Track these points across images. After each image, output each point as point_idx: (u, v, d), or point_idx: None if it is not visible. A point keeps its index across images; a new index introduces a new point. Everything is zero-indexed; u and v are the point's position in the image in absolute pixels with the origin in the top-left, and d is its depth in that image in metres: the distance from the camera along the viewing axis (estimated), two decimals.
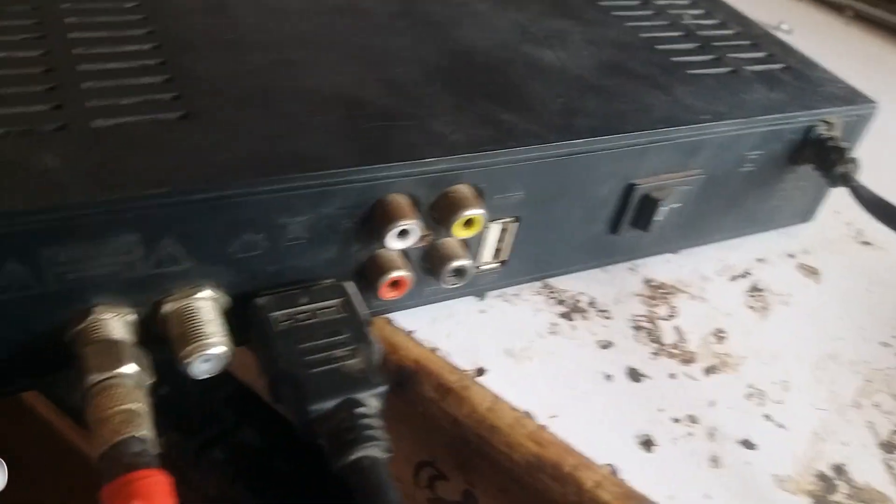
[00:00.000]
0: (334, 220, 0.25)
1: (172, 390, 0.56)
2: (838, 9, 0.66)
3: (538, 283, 0.33)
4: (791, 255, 0.39)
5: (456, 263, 0.28)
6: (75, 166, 0.22)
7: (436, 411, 0.29)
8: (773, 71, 0.36)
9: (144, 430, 0.21)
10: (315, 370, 0.24)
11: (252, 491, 0.51)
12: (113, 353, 0.22)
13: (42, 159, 0.22)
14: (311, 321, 0.25)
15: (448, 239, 0.28)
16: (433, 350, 0.30)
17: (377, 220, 0.26)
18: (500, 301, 0.32)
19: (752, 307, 0.35)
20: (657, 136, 0.30)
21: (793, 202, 0.38)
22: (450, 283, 0.29)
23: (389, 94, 0.28)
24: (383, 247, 0.27)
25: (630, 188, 0.31)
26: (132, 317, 0.24)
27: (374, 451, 0.23)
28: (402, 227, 0.25)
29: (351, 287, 0.27)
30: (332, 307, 0.26)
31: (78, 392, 0.22)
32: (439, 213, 0.27)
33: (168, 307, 0.24)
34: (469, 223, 0.27)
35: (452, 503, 0.35)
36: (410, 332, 0.30)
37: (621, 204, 0.31)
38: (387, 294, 0.28)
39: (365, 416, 0.23)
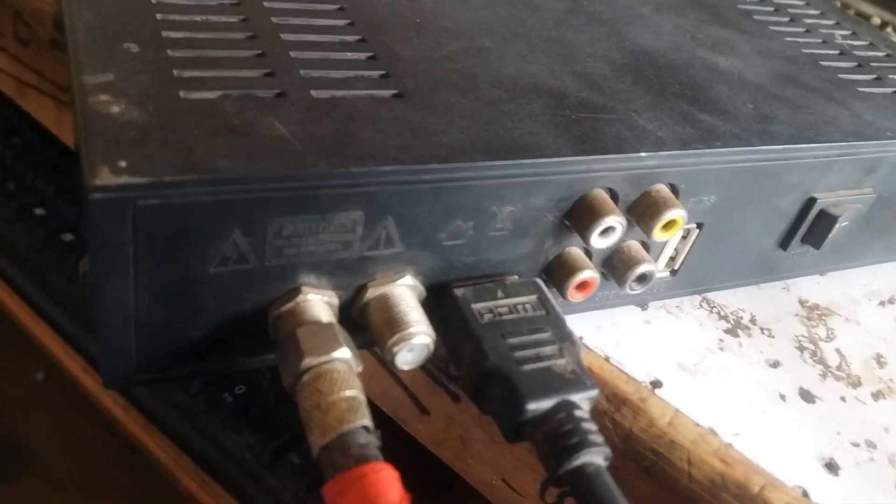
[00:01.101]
0: (540, 212, 0.24)
1: (249, 390, 0.54)
2: (867, 18, 0.66)
3: (698, 297, 0.32)
4: None
5: (641, 269, 0.27)
6: (306, 135, 0.21)
7: (607, 423, 0.28)
8: None
9: (368, 419, 0.20)
10: (527, 367, 0.22)
11: None
12: (328, 335, 0.21)
13: (270, 125, 0.21)
14: (512, 316, 0.24)
15: (632, 243, 0.27)
16: (606, 359, 0.28)
17: (581, 215, 0.25)
18: (664, 313, 0.31)
19: None
20: (847, 149, 0.29)
21: None
22: (632, 290, 0.27)
23: (585, 87, 0.27)
24: (573, 245, 0.26)
25: (810, 202, 0.30)
26: (335, 300, 0.23)
27: (597, 457, 0.21)
28: (607, 224, 0.24)
29: (542, 285, 0.26)
30: (529, 303, 0.25)
31: (287, 377, 0.21)
32: (640, 213, 0.26)
33: (372, 292, 0.23)
34: (669, 225, 0.26)
35: None
36: (579, 338, 0.29)
37: (798, 218, 0.30)
38: (573, 295, 0.26)
39: (583, 419, 0.22)
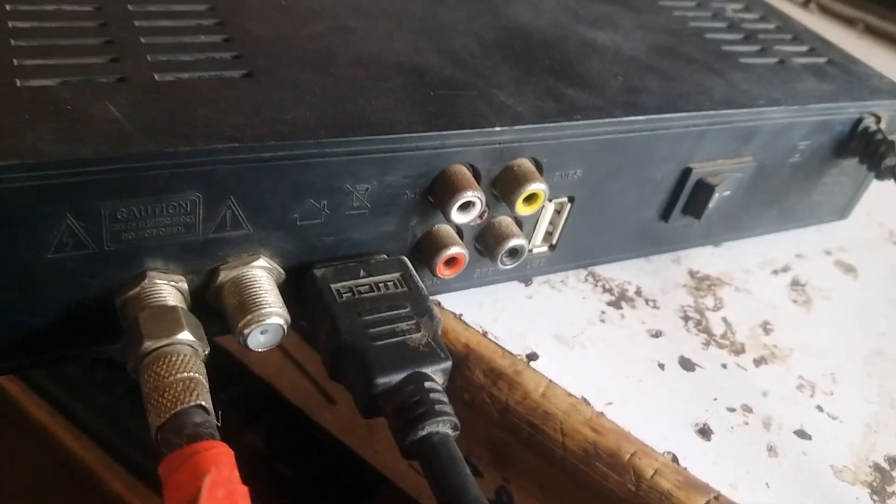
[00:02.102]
0: (397, 189, 0.24)
1: None
2: (850, 22, 0.67)
3: (583, 271, 0.32)
4: (828, 252, 0.38)
5: (512, 243, 0.27)
6: (140, 117, 0.21)
7: (484, 398, 0.28)
8: (818, 64, 0.36)
9: (206, 399, 0.20)
10: (380, 342, 0.23)
11: (257, 495, 0.50)
12: (170, 319, 0.21)
13: (105, 108, 0.21)
14: (372, 294, 0.24)
15: (503, 218, 0.27)
16: (484, 334, 0.29)
17: (440, 191, 0.25)
18: (547, 287, 0.31)
19: (795, 301, 0.35)
20: (718, 117, 0.29)
21: (832, 198, 0.38)
22: (504, 264, 0.28)
23: (450, 64, 0.27)
24: (442, 222, 0.26)
25: (686, 172, 0.30)
26: (184, 285, 0.23)
27: (444, 426, 0.22)
28: (466, 199, 0.24)
29: (408, 262, 0.26)
30: (391, 281, 0.25)
31: (130, 361, 0.21)
32: (502, 187, 0.26)
33: (224, 275, 0.23)
34: (531, 199, 0.26)
35: None
36: (458, 315, 0.29)
37: (675, 189, 0.31)
38: (443, 272, 0.27)
39: (433, 390, 0.22)
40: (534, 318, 0.30)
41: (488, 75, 0.27)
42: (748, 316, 0.33)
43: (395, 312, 0.24)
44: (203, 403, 0.20)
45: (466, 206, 0.25)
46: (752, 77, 0.32)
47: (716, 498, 0.26)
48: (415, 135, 0.23)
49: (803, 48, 0.37)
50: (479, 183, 0.25)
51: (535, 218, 0.28)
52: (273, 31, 0.26)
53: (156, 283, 0.22)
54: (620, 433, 0.27)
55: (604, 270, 0.33)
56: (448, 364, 0.23)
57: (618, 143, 0.27)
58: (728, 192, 0.32)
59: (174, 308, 0.21)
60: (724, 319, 0.32)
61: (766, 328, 0.33)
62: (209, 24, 0.26)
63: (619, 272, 0.33)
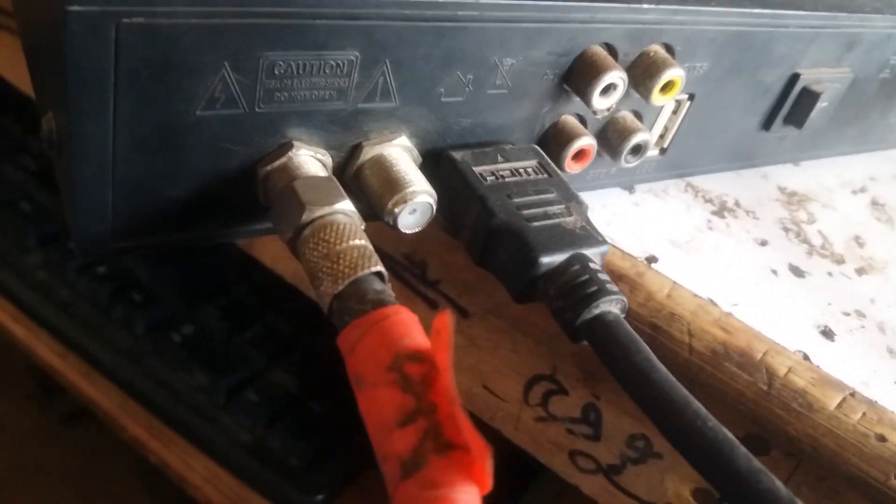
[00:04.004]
0: (539, 67, 0.23)
1: (197, 330, 0.52)
2: None
3: (681, 182, 0.32)
4: None
5: (637, 138, 0.26)
6: None
7: None
8: None
9: (381, 266, 0.18)
10: (536, 224, 0.21)
11: (290, 433, 0.48)
12: (329, 187, 0.19)
13: None
14: (515, 178, 0.23)
15: (625, 113, 0.26)
16: None
17: (581, 72, 0.23)
18: (651, 196, 0.30)
19: (878, 219, 0.34)
20: (831, 19, 0.28)
21: None
22: (627, 162, 0.27)
23: None
24: (568, 113, 0.25)
25: (794, 78, 0.29)
26: (328, 159, 0.21)
27: (614, 306, 0.20)
28: (610, 80, 0.23)
29: (540, 150, 0.24)
30: (530, 167, 0.23)
31: (286, 231, 0.19)
32: (640, 73, 0.25)
33: (367, 151, 0.21)
34: (668, 86, 0.25)
35: (566, 419, 0.33)
36: None
37: (782, 95, 0.30)
38: (570, 165, 0.25)
39: (598, 270, 0.21)
40: (645, 223, 0.29)
41: None
42: (840, 230, 0.33)
43: (542, 196, 0.22)
44: (381, 270, 0.18)
45: (608, 90, 0.24)
46: None
47: (851, 394, 0.25)
48: (568, 3, 0.22)
49: None
50: None
51: (656, 114, 0.27)
52: None
53: (302, 155, 0.20)
54: (751, 332, 0.26)
55: (699, 182, 0.32)
56: (606, 248, 0.22)
57: (744, 36, 0.26)
58: (825, 104, 0.31)
59: (329, 178, 0.20)
60: (820, 232, 0.32)
61: (858, 241, 0.32)
62: None
63: (715, 184, 0.32)
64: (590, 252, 0.21)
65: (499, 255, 0.22)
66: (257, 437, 0.48)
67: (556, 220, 0.22)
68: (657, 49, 0.25)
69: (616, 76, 0.23)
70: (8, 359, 0.62)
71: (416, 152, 0.22)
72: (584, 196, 0.29)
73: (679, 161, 0.30)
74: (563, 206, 0.22)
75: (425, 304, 0.33)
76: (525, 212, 0.22)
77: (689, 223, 0.29)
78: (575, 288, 0.20)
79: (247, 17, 0.17)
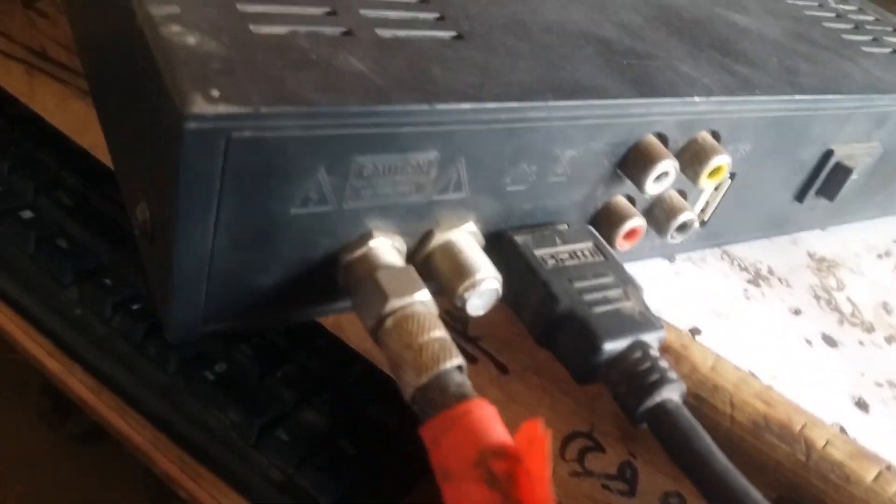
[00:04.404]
0: (597, 157, 0.24)
1: (230, 368, 0.53)
2: None
3: (718, 250, 0.33)
4: None
5: (683, 217, 0.27)
6: (383, 71, 0.20)
7: None
8: None
9: (461, 358, 0.20)
10: (598, 309, 0.23)
11: (320, 472, 0.49)
12: (408, 277, 0.21)
13: (346, 60, 0.20)
14: (574, 261, 0.24)
15: (672, 192, 0.28)
16: None
17: (635, 160, 0.25)
18: (690, 265, 0.32)
19: None
20: (865, 101, 0.30)
21: None
22: (673, 238, 0.28)
23: (627, 35, 0.27)
24: (621, 194, 0.26)
25: (828, 154, 0.31)
26: (403, 246, 0.22)
27: (674, 393, 0.22)
28: (663, 169, 0.25)
29: (595, 231, 0.26)
30: (587, 249, 0.25)
31: (369, 321, 0.20)
32: (689, 159, 0.26)
33: (438, 237, 0.23)
34: (715, 171, 0.26)
35: (602, 475, 0.34)
36: None
37: (815, 170, 0.31)
38: (621, 244, 0.27)
39: (658, 358, 0.22)
40: (686, 293, 0.30)
41: (664, 47, 0.27)
42: (868, 296, 0.34)
43: (601, 280, 0.24)
44: (460, 363, 0.19)
45: (661, 177, 0.25)
46: (879, 65, 0.33)
47: (888, 468, 0.26)
48: (626, 101, 0.23)
49: None
50: None
51: (699, 192, 0.29)
52: None
53: (382, 243, 0.21)
54: (790, 405, 0.27)
55: (735, 250, 0.33)
56: (663, 333, 0.23)
57: (784, 120, 0.28)
58: (856, 177, 0.33)
59: (408, 268, 0.21)
60: (849, 299, 0.33)
61: (886, 308, 0.34)
62: None
63: (749, 252, 0.33)
64: (649, 337, 0.22)
65: (562, 339, 0.23)
66: (288, 475, 0.49)
67: (616, 305, 0.23)
68: (705, 136, 0.26)
69: (668, 165, 0.24)
70: (20, 378, 0.63)
71: (480, 235, 0.24)
72: (628, 266, 0.30)
73: (718, 232, 0.31)
74: (620, 290, 0.23)
75: (465, 359, 0.34)
76: (586, 297, 0.23)
77: (727, 292, 0.31)
78: (637, 375, 0.21)
79: (343, 127, 0.19)
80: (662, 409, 0.21)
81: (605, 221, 0.26)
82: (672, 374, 0.22)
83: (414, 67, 0.21)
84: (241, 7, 0.21)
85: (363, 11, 0.23)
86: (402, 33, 0.22)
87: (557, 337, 0.23)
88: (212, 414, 0.50)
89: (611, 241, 0.26)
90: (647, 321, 0.23)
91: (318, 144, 0.19)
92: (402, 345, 0.19)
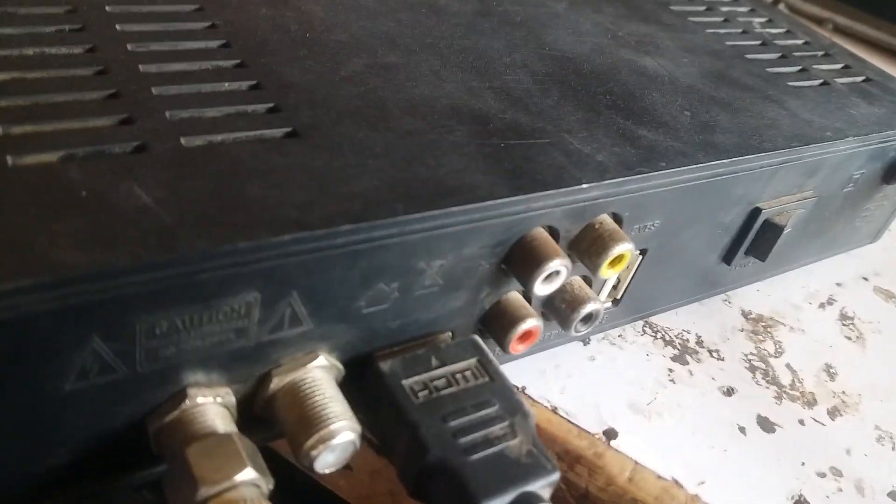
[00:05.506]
0: (474, 261, 0.20)
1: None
2: (819, 22, 0.66)
3: (640, 323, 0.29)
4: (865, 279, 0.36)
5: (588, 308, 0.23)
6: (177, 202, 0.16)
7: (559, 484, 0.25)
8: (858, 83, 0.34)
9: None
10: (476, 456, 0.19)
11: None
12: (227, 452, 0.17)
13: (130, 191, 0.16)
14: (451, 389, 0.20)
15: (574, 279, 0.24)
16: (554, 410, 0.25)
17: (521, 260, 0.21)
18: (607, 344, 0.28)
19: (848, 338, 0.32)
20: (793, 154, 0.26)
21: (870, 223, 0.36)
22: (577, 331, 0.24)
23: (510, 105, 0.23)
24: (514, 290, 0.23)
25: (755, 213, 0.27)
26: (231, 398, 0.18)
27: None
28: (552, 269, 0.21)
29: (481, 343, 0.22)
30: (469, 370, 0.21)
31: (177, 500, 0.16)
32: (584, 249, 0.22)
33: (278, 381, 0.19)
34: (616, 261, 0.22)
35: None
36: (522, 388, 0.25)
37: (742, 231, 0.28)
38: (515, 348, 0.23)
39: None
40: (601, 384, 0.26)
41: (553, 117, 0.23)
42: (809, 359, 0.31)
43: (483, 413, 0.20)
44: None
45: (551, 277, 0.21)
46: (808, 104, 0.30)
47: None
48: (499, 201, 0.19)
49: (838, 66, 0.35)
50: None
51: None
52: (306, 73, 0.22)
53: (198, 403, 0.17)
54: None
55: (659, 319, 0.30)
56: (556, 476, 0.19)
57: (698, 188, 0.24)
58: (790, 230, 0.29)
59: (229, 437, 0.17)
60: (789, 366, 0.30)
61: (829, 372, 0.30)
62: (229, 66, 0.21)
63: (675, 319, 0.30)
64: (537, 486, 0.19)
65: (435, 493, 0.19)
66: None
67: (499, 447, 0.19)
68: (603, 220, 0.22)
69: (558, 264, 0.21)
70: None
71: (337, 367, 0.20)
72: (536, 357, 0.26)
73: (633, 308, 0.28)
74: (506, 424, 0.20)
75: (372, 449, 0.30)
76: (463, 440, 0.19)
77: (649, 376, 0.27)
78: None
79: (112, 289, 0.15)
80: None
81: (496, 324, 0.23)
82: None
83: (222, 189, 0.17)
84: (2, 129, 0.17)
85: (170, 113, 0.19)
86: (218, 137, 0.18)
87: (430, 491, 0.19)
88: None
89: (504, 345, 0.23)
90: (536, 465, 0.19)
91: (80, 314, 0.15)
92: None
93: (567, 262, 0.21)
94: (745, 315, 0.32)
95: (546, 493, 0.19)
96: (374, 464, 0.30)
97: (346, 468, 0.34)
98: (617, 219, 0.23)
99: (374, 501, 0.34)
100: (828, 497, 0.25)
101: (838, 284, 0.35)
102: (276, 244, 0.16)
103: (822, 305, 0.34)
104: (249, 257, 0.16)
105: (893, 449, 0.28)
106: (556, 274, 0.21)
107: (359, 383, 0.20)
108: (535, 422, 0.20)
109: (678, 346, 0.29)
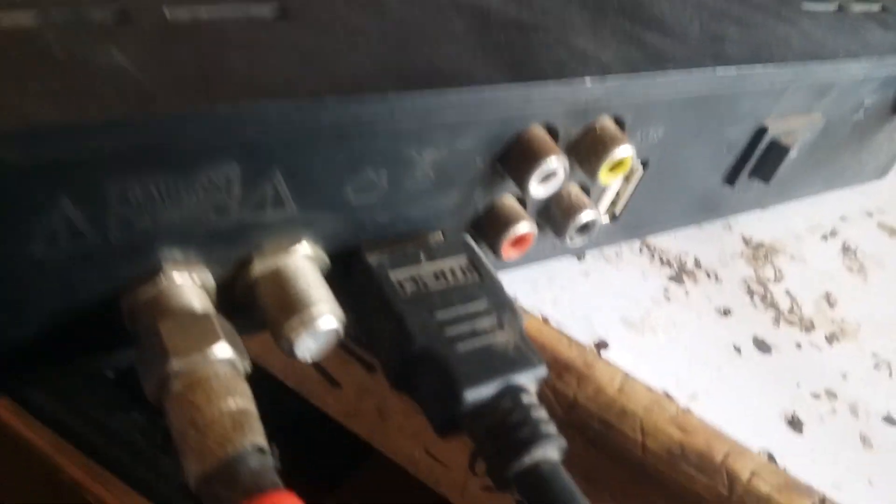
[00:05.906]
0: (468, 156, 0.20)
1: (132, 366, 0.48)
2: None
3: (637, 242, 0.29)
4: (869, 214, 0.36)
5: (584, 217, 0.23)
6: (158, 67, 0.15)
7: (547, 393, 0.24)
8: (874, 12, 0.32)
9: (261, 436, 0.15)
10: (462, 347, 0.18)
11: None
12: (201, 327, 0.16)
13: (109, 54, 0.15)
14: (439, 284, 0.20)
15: (571, 187, 0.23)
16: (544, 320, 0.25)
17: (517, 158, 0.20)
18: (602, 262, 0.27)
19: (850, 269, 0.32)
20: (803, 70, 0.25)
21: (877, 157, 0.35)
22: (572, 241, 0.24)
23: (514, 2, 0.22)
24: (509, 193, 0.22)
25: (761, 132, 0.26)
26: (209, 279, 0.18)
27: (551, 451, 0.18)
28: (549, 168, 0.20)
29: (472, 242, 0.21)
30: (458, 267, 0.20)
31: (149, 385, 0.16)
32: (584, 152, 0.21)
33: (260, 265, 0.18)
34: (616, 166, 0.22)
35: None
36: (513, 297, 0.25)
37: (747, 150, 0.27)
38: (508, 252, 0.22)
39: (532, 406, 0.18)
40: (595, 298, 0.26)
41: (559, 16, 0.23)
42: (809, 287, 0.30)
43: (470, 307, 0.19)
44: (259, 443, 0.15)
45: (548, 178, 0.21)
46: (822, 26, 0.29)
47: (822, 500, 0.23)
48: (497, 87, 0.19)
49: None
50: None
51: (603, 188, 0.24)
52: None
53: (175, 281, 0.17)
54: (710, 431, 0.23)
55: (657, 240, 0.29)
56: (543, 369, 0.19)
57: (705, 98, 0.23)
58: (795, 154, 0.29)
59: (205, 315, 0.17)
60: (788, 292, 0.29)
61: (829, 300, 0.30)
62: None
63: (673, 242, 0.29)
64: (523, 378, 0.18)
65: (419, 384, 0.19)
66: None
67: (486, 340, 0.19)
68: (604, 123, 0.21)
69: (555, 163, 0.20)
70: None
71: (323, 257, 0.19)
72: (530, 268, 0.26)
73: (632, 225, 0.27)
74: (493, 319, 0.19)
75: (361, 365, 0.30)
76: (449, 331, 0.19)
77: (644, 294, 0.27)
78: (506, 431, 0.17)
79: (83, 146, 0.14)
80: (535, 474, 0.17)
81: (489, 227, 0.22)
82: (549, 428, 0.18)
83: (205, 59, 0.16)
84: None
85: None
86: (205, 13, 0.18)
87: (414, 381, 0.19)
88: (113, 415, 0.46)
89: (496, 250, 0.22)
90: (523, 357, 0.19)
91: (49, 172, 0.14)
92: (186, 420, 0.15)
93: (565, 161, 0.20)
94: (746, 241, 0.31)
95: (533, 388, 0.19)
96: (363, 381, 0.30)
97: (334, 384, 0.34)
98: (619, 122, 0.22)
99: (362, 419, 0.34)
100: (822, 417, 0.25)
101: (842, 218, 0.35)
102: (258, 111, 0.15)
103: (824, 237, 0.33)
104: (227, 124, 0.15)
105: (890, 376, 0.27)
106: (553, 175, 0.20)
107: (345, 280, 0.20)
108: (524, 321, 0.20)
109: (675, 267, 0.28)
